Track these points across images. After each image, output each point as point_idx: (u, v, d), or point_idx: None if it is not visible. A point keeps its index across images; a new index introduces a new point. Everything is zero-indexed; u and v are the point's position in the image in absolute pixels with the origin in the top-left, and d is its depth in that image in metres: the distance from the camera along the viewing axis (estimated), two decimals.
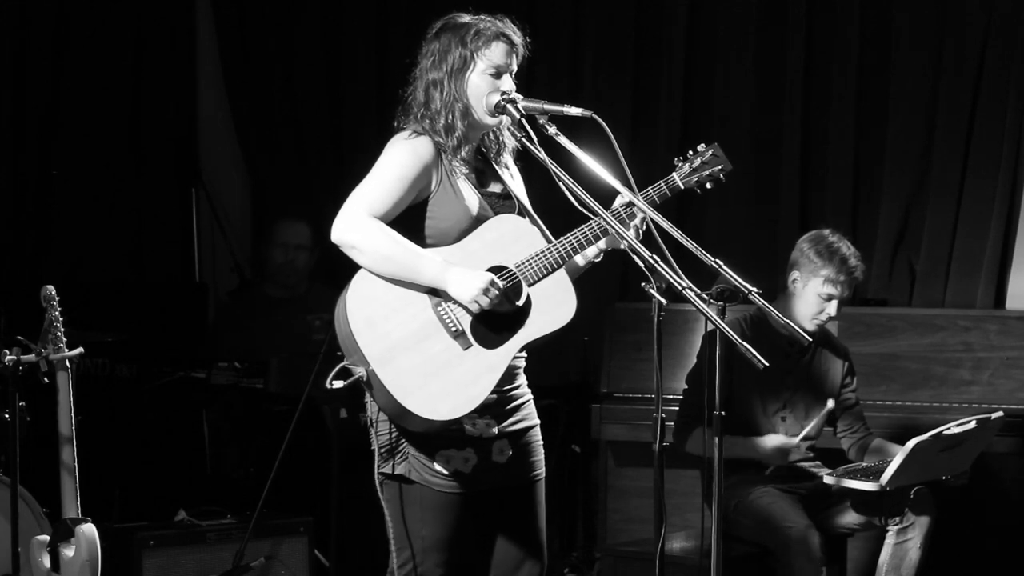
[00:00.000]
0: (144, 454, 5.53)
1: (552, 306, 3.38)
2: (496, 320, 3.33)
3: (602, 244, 3.48)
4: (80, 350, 4.09)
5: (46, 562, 4.05)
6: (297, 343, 5.62)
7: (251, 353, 5.64)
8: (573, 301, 3.41)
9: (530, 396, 3.50)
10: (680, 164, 3.55)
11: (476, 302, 3.27)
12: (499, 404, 3.39)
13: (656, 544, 3.31)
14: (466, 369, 3.29)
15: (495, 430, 3.39)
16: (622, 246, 3.36)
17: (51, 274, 4.98)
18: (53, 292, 4.08)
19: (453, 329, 3.30)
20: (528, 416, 3.48)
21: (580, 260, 3.55)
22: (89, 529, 3.99)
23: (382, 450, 3.38)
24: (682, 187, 3.52)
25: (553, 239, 3.43)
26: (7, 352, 4.04)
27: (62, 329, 4.06)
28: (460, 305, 3.31)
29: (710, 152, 3.56)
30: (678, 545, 4.73)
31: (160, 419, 5.63)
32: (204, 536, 4.87)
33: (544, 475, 3.51)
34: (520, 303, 3.35)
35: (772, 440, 4.62)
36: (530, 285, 3.37)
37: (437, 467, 3.35)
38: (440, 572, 3.38)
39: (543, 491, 3.51)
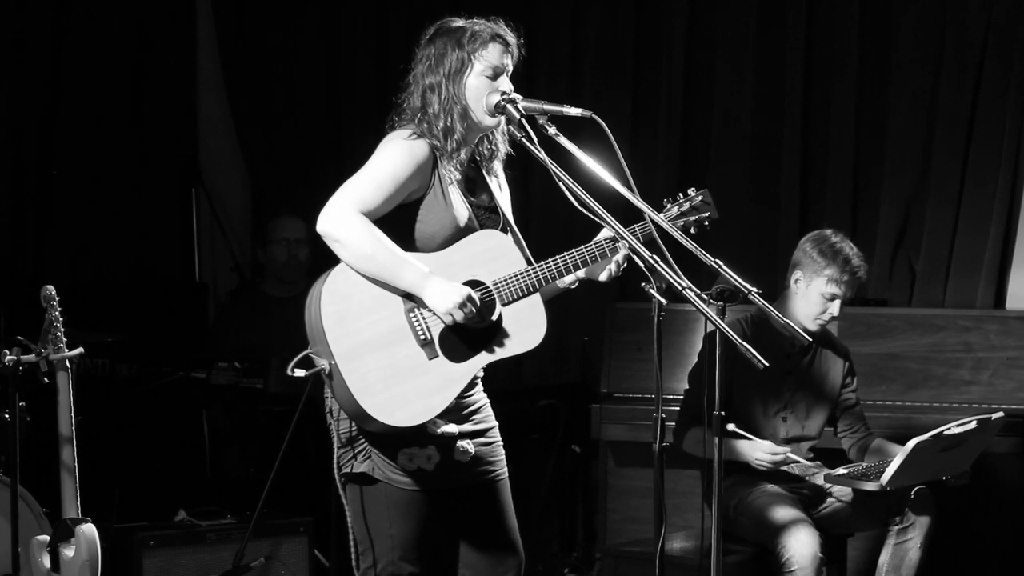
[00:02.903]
0: (144, 454, 5.53)
1: (522, 328, 3.40)
2: (465, 334, 3.35)
3: (580, 273, 3.50)
4: (80, 350, 4.08)
5: (46, 562, 4.05)
6: (297, 343, 5.61)
7: (251, 353, 5.64)
8: (543, 326, 3.43)
9: (486, 400, 3.53)
10: (669, 206, 3.57)
11: (450, 314, 3.29)
12: (457, 409, 3.41)
13: (656, 544, 3.32)
14: (429, 379, 3.31)
15: (455, 430, 3.40)
16: (619, 256, 3.42)
17: (51, 274, 4.97)
18: (53, 292, 4.07)
19: (422, 337, 3.32)
20: (486, 418, 3.51)
21: (555, 285, 3.57)
22: (89, 529, 3.99)
23: (342, 448, 3.39)
24: (667, 228, 3.53)
25: (533, 261, 3.45)
26: (7, 352, 4.03)
27: (62, 329, 4.05)
28: (433, 314, 3.32)
29: (699, 198, 3.58)
30: (678, 545, 4.73)
31: (160, 419, 5.63)
32: (204, 536, 4.87)
33: (507, 474, 3.53)
34: (493, 319, 3.37)
35: (766, 444, 4.61)
36: (504, 305, 3.38)
37: (400, 465, 3.36)
38: (410, 570, 3.40)
39: (508, 489, 3.53)
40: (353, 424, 3.37)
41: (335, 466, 3.41)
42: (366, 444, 3.37)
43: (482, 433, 3.47)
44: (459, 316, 3.29)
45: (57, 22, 6.22)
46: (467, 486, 3.46)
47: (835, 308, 4.68)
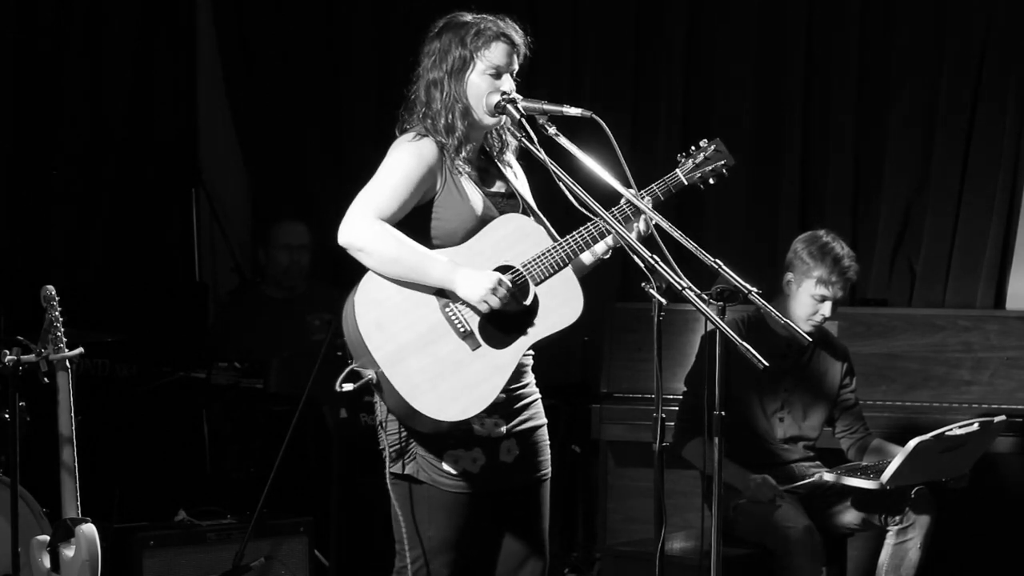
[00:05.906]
0: (144, 454, 5.53)
1: (559, 304, 3.39)
2: (504, 320, 3.33)
3: (610, 240, 3.47)
4: (80, 350, 4.08)
5: (46, 562, 4.05)
6: (297, 343, 5.61)
7: (251, 353, 5.64)
8: (580, 299, 3.42)
9: (538, 395, 3.51)
10: (683, 160, 3.56)
11: (484, 302, 3.28)
12: (507, 403, 3.39)
13: (656, 544, 3.32)
14: (475, 370, 3.29)
15: (503, 429, 3.39)
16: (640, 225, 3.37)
17: (51, 274, 4.96)
18: (53, 292, 4.07)
19: (462, 330, 3.30)
20: (536, 415, 3.48)
21: (588, 257, 3.55)
22: (89, 529, 3.99)
23: (391, 451, 3.38)
24: (685, 183, 3.54)
25: (559, 237, 3.43)
26: (7, 352, 4.03)
27: (62, 329, 4.06)
28: (468, 305, 3.31)
29: (712, 147, 3.57)
30: (678, 545, 4.72)
31: (160, 419, 5.63)
32: (204, 536, 4.87)
33: (551, 475, 3.52)
34: (528, 302, 3.35)
35: (760, 478, 4.60)
36: (537, 284, 3.37)
37: (445, 467, 3.35)
38: (446, 572, 3.39)
39: (548, 491, 3.52)
40: (402, 428, 3.35)
41: (385, 467, 3.37)
42: (414, 446, 3.36)
43: (530, 433, 3.45)
44: (493, 302, 3.27)
45: (57, 22, 6.22)
46: (511, 487, 3.44)
47: (826, 309, 4.67)
